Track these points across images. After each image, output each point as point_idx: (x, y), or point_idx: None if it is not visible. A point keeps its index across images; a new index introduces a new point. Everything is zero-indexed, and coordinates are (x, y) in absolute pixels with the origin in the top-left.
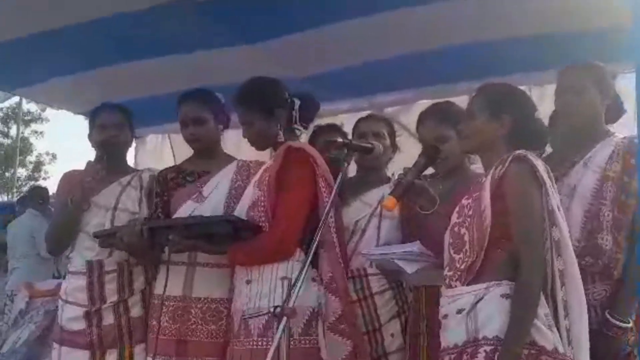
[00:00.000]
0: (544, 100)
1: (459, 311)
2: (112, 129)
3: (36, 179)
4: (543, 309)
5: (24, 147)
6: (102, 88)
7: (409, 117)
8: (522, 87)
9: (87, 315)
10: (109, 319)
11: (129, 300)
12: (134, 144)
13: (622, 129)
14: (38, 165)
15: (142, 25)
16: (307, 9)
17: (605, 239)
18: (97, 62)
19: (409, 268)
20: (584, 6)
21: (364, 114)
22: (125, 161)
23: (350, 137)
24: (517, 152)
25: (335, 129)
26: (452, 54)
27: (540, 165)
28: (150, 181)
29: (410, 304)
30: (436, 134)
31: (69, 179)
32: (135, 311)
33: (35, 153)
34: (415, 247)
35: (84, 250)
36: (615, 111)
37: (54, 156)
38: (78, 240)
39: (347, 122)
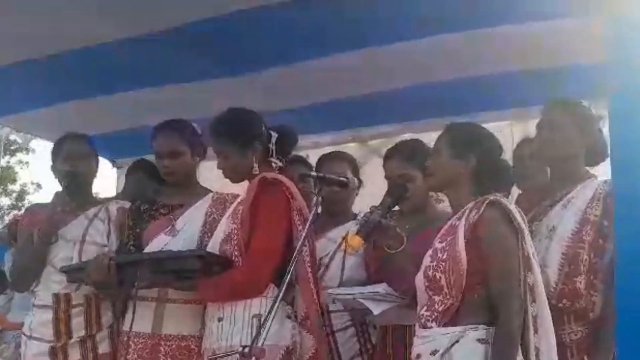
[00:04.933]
0: (526, 136)
1: (433, 352)
2: (78, 159)
3: (19, 208)
4: (518, 356)
5: (8, 176)
6: (85, 118)
7: None
8: (505, 122)
9: (52, 351)
10: (75, 355)
11: (97, 336)
12: (115, 174)
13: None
14: (22, 195)
15: (124, 57)
16: (291, 42)
17: (583, 282)
18: (81, 93)
19: (375, 309)
20: (571, 42)
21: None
22: (91, 193)
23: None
24: (491, 197)
25: (301, 160)
26: (436, 89)
27: (514, 210)
28: (119, 213)
29: (375, 342)
30: (400, 172)
31: (33, 213)
32: (103, 347)
33: (19, 182)
34: (381, 288)
35: (51, 284)
36: (597, 154)
37: (39, 185)
38: (45, 274)
39: (312, 154)
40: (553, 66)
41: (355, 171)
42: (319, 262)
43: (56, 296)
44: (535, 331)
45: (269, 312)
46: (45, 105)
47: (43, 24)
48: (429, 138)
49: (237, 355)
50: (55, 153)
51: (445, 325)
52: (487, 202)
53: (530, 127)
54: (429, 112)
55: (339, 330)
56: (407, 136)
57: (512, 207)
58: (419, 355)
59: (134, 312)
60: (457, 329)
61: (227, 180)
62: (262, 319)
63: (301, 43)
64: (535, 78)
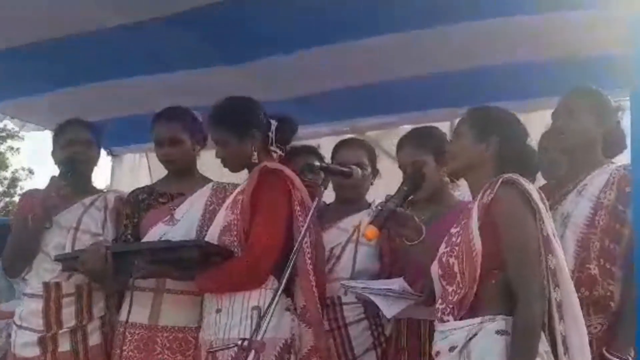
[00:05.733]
0: (529, 128)
1: (452, 348)
2: (79, 145)
3: (12, 195)
4: (543, 346)
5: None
6: (82, 106)
7: (390, 141)
8: None
9: (42, 341)
10: (65, 345)
11: (88, 326)
12: (110, 163)
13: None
14: (14, 181)
15: (123, 43)
16: (290, 31)
17: (596, 268)
18: (77, 79)
19: (388, 311)
20: (571, 34)
21: (345, 137)
22: (91, 181)
23: (329, 160)
24: (506, 175)
25: (311, 150)
26: (434, 80)
27: (532, 189)
28: (116, 203)
29: (388, 336)
30: (413, 159)
31: (30, 198)
32: (94, 339)
33: (11, 169)
34: (397, 284)
35: (42, 272)
36: (615, 145)
37: (31, 171)
38: (36, 261)
39: (324, 144)
40: (558, 58)
41: (373, 159)
42: (329, 253)
43: (46, 285)
44: (561, 318)
45: (269, 305)
46: (40, 92)
47: (40, 9)
48: None
49: (235, 348)
50: (56, 139)
51: (462, 317)
52: (501, 180)
53: (533, 119)
54: (427, 104)
55: (352, 323)
56: (405, 127)
57: (529, 186)
58: (438, 353)
59: (131, 303)
60: (475, 321)
61: (224, 170)
62: (262, 312)
63: (300, 32)
64: (538, 70)
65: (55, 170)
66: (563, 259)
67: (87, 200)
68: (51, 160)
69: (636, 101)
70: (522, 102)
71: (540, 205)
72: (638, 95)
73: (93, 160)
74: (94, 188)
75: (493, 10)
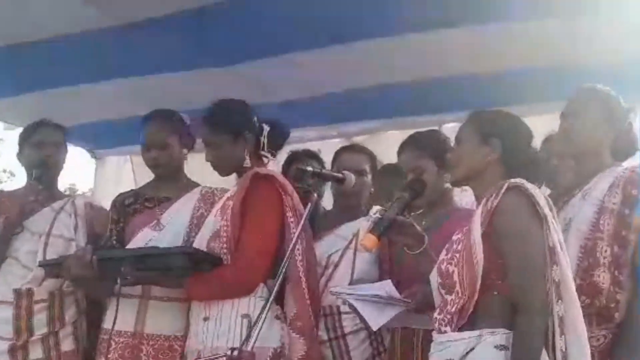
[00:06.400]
0: None
1: None
2: (51, 147)
3: None
4: None
5: None
6: (64, 107)
7: (377, 146)
8: None
9: (12, 350)
10: (36, 353)
11: (60, 333)
12: (94, 165)
13: None
14: None
15: (109, 45)
16: (276, 34)
17: (602, 276)
18: (60, 81)
19: (375, 323)
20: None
21: (332, 141)
22: (57, 185)
23: (329, 165)
24: (513, 180)
25: (312, 155)
26: (422, 86)
27: (539, 195)
28: (87, 209)
29: (388, 346)
30: (413, 164)
31: (1, 200)
32: (67, 345)
33: None
34: (384, 289)
35: (11, 278)
36: (626, 148)
37: (12, 174)
38: (5, 267)
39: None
40: (546, 65)
41: (374, 166)
42: (327, 260)
43: (18, 292)
44: (562, 333)
45: (260, 314)
46: (23, 92)
47: (25, 10)
48: None
49: (225, 358)
50: (24, 139)
51: (460, 329)
52: (506, 186)
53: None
54: (416, 109)
55: (350, 333)
56: (393, 132)
57: (536, 192)
58: None
59: (116, 310)
60: (474, 333)
61: (211, 173)
62: (253, 321)
63: (286, 35)
64: (526, 77)
65: None
66: (568, 269)
67: (56, 205)
68: None
69: None
70: (508, 108)
71: (548, 212)
72: None
73: (61, 163)
74: (60, 192)
75: (482, 16)
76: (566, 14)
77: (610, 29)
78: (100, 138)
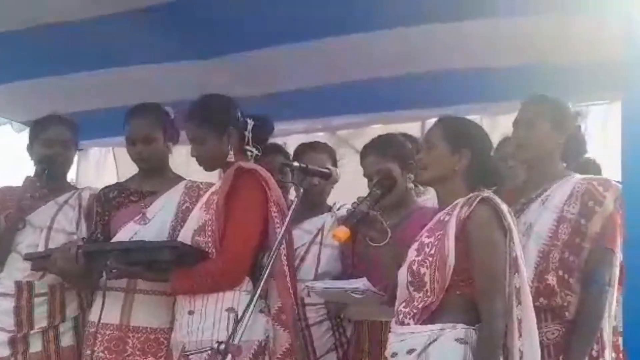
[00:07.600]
0: (495, 131)
1: (410, 351)
2: (59, 145)
3: None
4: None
5: None
6: (47, 97)
7: (362, 140)
8: (475, 117)
9: (13, 342)
10: (36, 346)
11: (60, 327)
12: (76, 157)
13: None
14: None
15: (92, 36)
16: (261, 27)
17: (553, 279)
18: (43, 71)
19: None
20: (544, 39)
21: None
22: (66, 179)
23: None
24: (484, 194)
25: (278, 149)
26: (406, 81)
27: (505, 209)
28: (91, 200)
29: (350, 337)
30: (377, 167)
31: (2, 196)
32: (66, 340)
33: None
34: (361, 283)
35: (15, 271)
36: (574, 150)
37: None
38: (9, 260)
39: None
40: (526, 63)
41: (334, 163)
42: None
43: (18, 284)
44: (520, 335)
45: (247, 308)
46: (3, 83)
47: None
48: (399, 129)
49: (209, 352)
50: (34, 134)
51: (423, 322)
52: (479, 199)
53: (500, 121)
54: (399, 104)
55: (314, 324)
56: (377, 127)
57: (504, 206)
58: (394, 354)
59: (102, 303)
60: (435, 327)
61: (195, 167)
62: (238, 314)
63: (271, 28)
64: (507, 74)
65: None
66: (526, 276)
67: (61, 199)
68: (26, 158)
69: (627, 106)
70: (490, 104)
71: (512, 226)
72: (629, 100)
73: (70, 161)
74: (69, 185)
75: (467, 12)
76: (557, 10)
77: (586, 28)
78: (83, 129)
